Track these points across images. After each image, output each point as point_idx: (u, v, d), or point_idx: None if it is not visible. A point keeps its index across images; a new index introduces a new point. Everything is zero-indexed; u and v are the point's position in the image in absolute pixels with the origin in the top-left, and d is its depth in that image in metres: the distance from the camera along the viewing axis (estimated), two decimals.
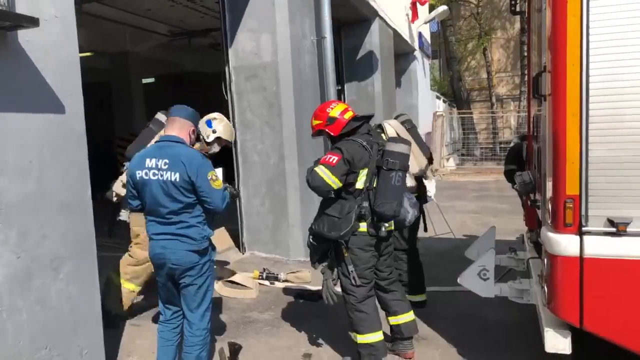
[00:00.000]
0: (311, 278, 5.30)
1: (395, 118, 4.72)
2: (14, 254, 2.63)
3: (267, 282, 5.22)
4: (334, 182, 3.13)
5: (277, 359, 3.60)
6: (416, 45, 14.39)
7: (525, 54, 16.44)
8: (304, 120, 6.26)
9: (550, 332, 2.88)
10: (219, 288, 4.87)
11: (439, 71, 28.11)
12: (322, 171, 3.14)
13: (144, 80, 12.94)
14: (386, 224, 3.21)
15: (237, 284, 4.95)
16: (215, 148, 4.19)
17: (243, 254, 6.31)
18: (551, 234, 2.91)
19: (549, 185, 3.07)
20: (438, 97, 19.55)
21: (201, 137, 4.02)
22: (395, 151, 3.19)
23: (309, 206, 6.31)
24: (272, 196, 6.20)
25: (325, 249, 3.42)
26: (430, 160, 4.94)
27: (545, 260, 3.06)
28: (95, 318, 3.10)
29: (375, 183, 3.21)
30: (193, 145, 3.10)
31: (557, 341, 2.87)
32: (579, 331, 2.78)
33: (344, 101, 9.71)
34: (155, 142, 3.10)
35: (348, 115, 3.37)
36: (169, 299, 3.08)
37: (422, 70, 15.48)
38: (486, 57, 24.43)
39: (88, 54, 10.25)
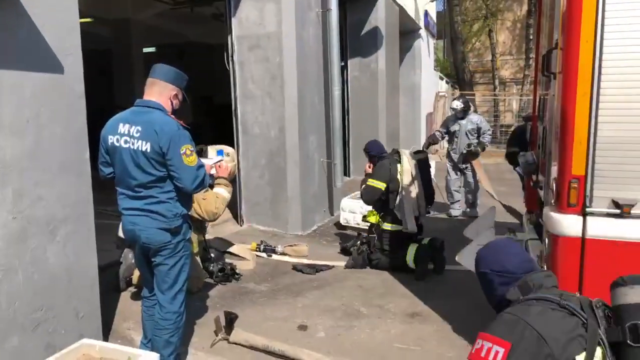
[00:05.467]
0: (308, 252, 5.31)
1: (415, 153, 5.06)
2: (10, 214, 2.59)
3: (264, 255, 5.22)
4: None
5: (273, 329, 3.60)
6: (422, 23, 14.15)
7: (532, 37, 16.22)
8: (306, 93, 6.18)
9: None
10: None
11: (443, 52, 27.78)
12: None
13: (145, 50, 12.74)
14: None
15: (235, 254, 4.95)
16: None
17: (241, 225, 6.29)
18: (554, 214, 2.88)
19: (554, 165, 3.03)
20: (441, 78, 19.36)
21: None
22: None
23: (307, 180, 6.28)
24: (272, 168, 6.16)
25: None
26: (430, 200, 5.07)
27: (547, 240, 3.04)
28: (91, 281, 3.07)
29: None
30: (174, 111, 2.78)
31: None
32: None
33: (347, 77, 9.57)
34: (133, 106, 2.80)
35: None
36: (145, 275, 2.93)
37: (426, 49, 15.27)
38: (491, 39, 24.13)
39: (88, 19, 10.05)
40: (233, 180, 5.36)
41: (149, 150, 2.59)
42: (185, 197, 2.79)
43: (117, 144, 2.67)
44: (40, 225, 2.74)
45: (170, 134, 2.59)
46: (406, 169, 4.81)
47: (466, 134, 7.10)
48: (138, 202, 2.69)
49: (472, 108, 7.52)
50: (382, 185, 4.81)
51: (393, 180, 4.80)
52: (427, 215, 5.18)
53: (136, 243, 2.78)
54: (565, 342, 1.51)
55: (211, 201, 3.92)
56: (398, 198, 4.77)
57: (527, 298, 1.68)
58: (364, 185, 4.95)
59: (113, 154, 2.71)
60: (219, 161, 3.97)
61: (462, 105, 7.11)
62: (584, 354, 1.50)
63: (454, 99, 7.39)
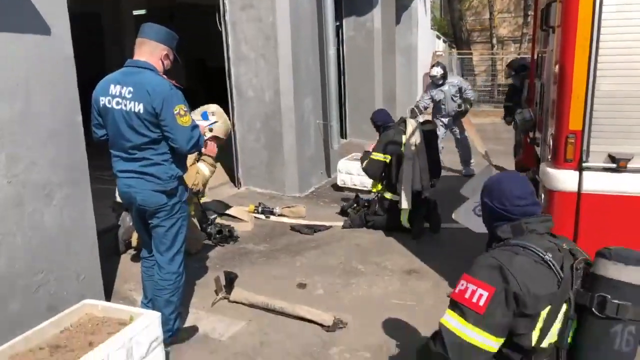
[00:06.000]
0: (306, 213, 5.34)
1: (422, 124, 4.94)
2: (5, 179, 2.58)
3: (262, 216, 5.25)
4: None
5: (273, 288, 3.66)
6: None
7: None
8: (301, 53, 6.07)
9: None
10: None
11: (440, 10, 27.16)
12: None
13: (135, 12, 12.43)
14: None
15: (233, 216, 4.98)
16: (210, 144, 3.84)
17: (238, 188, 6.30)
18: (550, 170, 2.89)
19: (551, 121, 3.02)
20: (438, 37, 19.00)
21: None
22: (627, 282, 1.58)
23: (304, 143, 6.26)
24: (267, 132, 6.11)
25: None
26: (436, 172, 4.93)
27: (542, 196, 3.06)
28: (90, 244, 3.10)
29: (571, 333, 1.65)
30: (166, 71, 2.73)
31: None
32: None
33: (342, 37, 9.39)
34: (123, 66, 2.72)
35: None
36: (143, 237, 2.94)
37: (423, 7, 14.92)
38: None
39: None
40: (229, 142, 5.31)
41: (141, 111, 2.55)
42: (180, 159, 2.77)
43: (109, 106, 2.62)
44: (36, 190, 2.73)
45: (163, 94, 2.54)
46: (410, 141, 4.69)
47: (452, 98, 7.20)
48: (133, 164, 2.66)
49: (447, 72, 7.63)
50: (384, 158, 4.77)
51: (396, 152, 4.73)
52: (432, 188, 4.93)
53: (132, 205, 2.78)
54: (538, 295, 1.60)
55: (191, 176, 3.89)
56: (399, 171, 4.67)
57: (515, 243, 1.72)
58: (366, 160, 4.90)
59: (105, 115, 2.67)
60: (214, 123, 3.88)
61: (442, 72, 7.12)
62: (549, 308, 1.61)
63: (432, 67, 7.32)
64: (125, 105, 2.57)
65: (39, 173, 2.75)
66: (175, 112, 2.55)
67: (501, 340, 1.64)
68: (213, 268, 4.04)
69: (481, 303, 1.60)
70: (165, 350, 2.59)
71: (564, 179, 2.81)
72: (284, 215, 5.27)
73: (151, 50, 2.67)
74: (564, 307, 1.63)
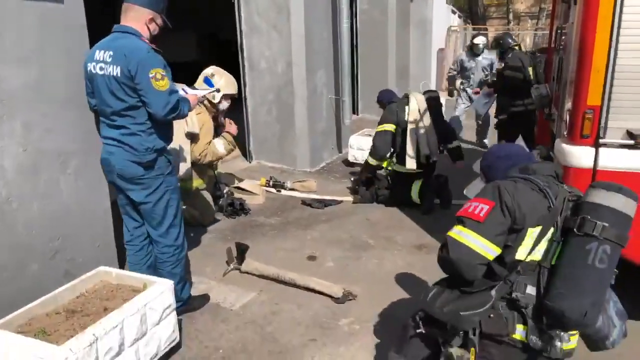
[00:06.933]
0: (317, 187, 5.35)
1: (424, 93, 4.93)
2: (21, 146, 2.60)
3: (273, 190, 5.27)
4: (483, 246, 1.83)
5: (283, 260, 3.70)
6: None
7: None
8: (314, 26, 5.99)
9: None
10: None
11: None
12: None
13: None
14: (564, 336, 1.80)
15: (245, 190, 5.00)
16: (224, 105, 4.09)
17: (250, 162, 6.31)
18: (566, 146, 2.85)
19: (569, 96, 2.96)
20: (453, 12, 18.60)
21: (205, 99, 3.80)
22: (605, 205, 1.76)
23: (315, 117, 6.22)
24: (279, 105, 6.08)
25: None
26: (443, 138, 4.87)
27: None
28: (104, 212, 3.12)
29: (555, 255, 1.85)
30: (153, 37, 2.68)
31: None
32: None
33: (356, 10, 9.23)
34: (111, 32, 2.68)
35: None
36: (125, 208, 2.88)
37: None
38: None
39: None
40: (241, 111, 5.34)
41: (119, 74, 2.52)
42: (162, 130, 2.70)
43: (94, 72, 2.60)
44: (51, 158, 2.76)
45: (139, 57, 2.50)
46: (413, 109, 4.75)
47: (482, 69, 7.31)
48: (114, 131, 2.65)
49: None
50: (391, 127, 4.80)
51: (401, 122, 4.78)
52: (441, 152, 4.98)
53: (110, 174, 2.74)
54: (526, 214, 1.82)
55: (200, 146, 3.98)
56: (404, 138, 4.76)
57: (517, 176, 1.95)
58: (374, 134, 4.94)
59: (92, 82, 2.65)
60: (214, 91, 3.89)
61: (486, 41, 7.30)
62: (540, 228, 1.84)
63: (476, 36, 7.54)
64: (107, 70, 2.56)
65: (54, 141, 2.76)
66: (151, 76, 2.50)
67: (496, 249, 1.82)
68: (224, 239, 4.08)
69: (482, 214, 1.82)
70: (177, 318, 2.65)
71: (579, 155, 2.77)
72: (294, 190, 5.29)
73: (135, 16, 2.62)
74: (551, 230, 1.84)
